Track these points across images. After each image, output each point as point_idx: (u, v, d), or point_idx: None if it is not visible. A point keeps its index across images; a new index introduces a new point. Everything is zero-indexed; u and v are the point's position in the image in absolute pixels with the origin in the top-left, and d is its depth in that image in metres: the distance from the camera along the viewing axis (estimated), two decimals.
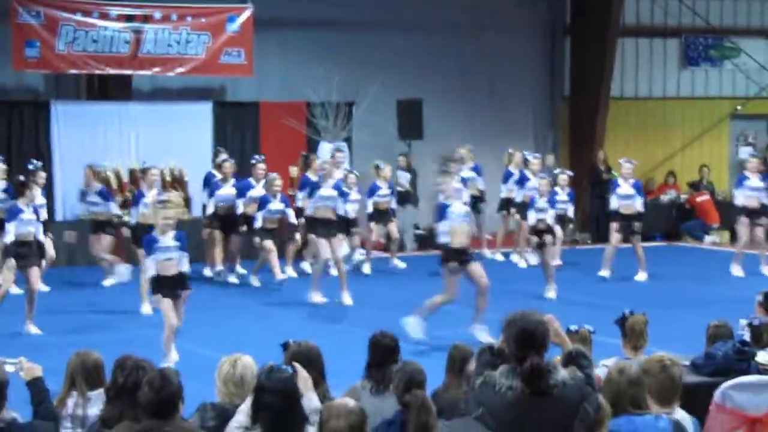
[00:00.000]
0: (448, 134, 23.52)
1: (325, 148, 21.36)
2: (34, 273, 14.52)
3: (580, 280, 18.63)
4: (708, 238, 24.07)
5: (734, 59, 26.69)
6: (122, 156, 20.65)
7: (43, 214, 16.15)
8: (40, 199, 16.33)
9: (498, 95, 24.89)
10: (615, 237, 18.61)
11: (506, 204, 20.68)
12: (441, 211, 13.92)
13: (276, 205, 17.71)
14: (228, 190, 18.57)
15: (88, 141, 20.47)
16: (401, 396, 7.10)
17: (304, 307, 16.19)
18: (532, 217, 17.51)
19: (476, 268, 13.85)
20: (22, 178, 16.32)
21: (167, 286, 12.60)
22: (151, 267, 12.69)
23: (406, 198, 21.75)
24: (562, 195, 19.22)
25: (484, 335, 13.04)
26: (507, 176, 20.84)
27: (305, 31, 23.11)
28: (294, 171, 20.28)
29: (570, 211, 19.45)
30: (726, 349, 8.35)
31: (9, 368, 6.94)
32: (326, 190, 16.90)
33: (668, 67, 26.67)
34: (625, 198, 18.60)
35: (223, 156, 19.13)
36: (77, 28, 20.37)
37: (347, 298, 16.40)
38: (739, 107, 26.82)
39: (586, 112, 25.03)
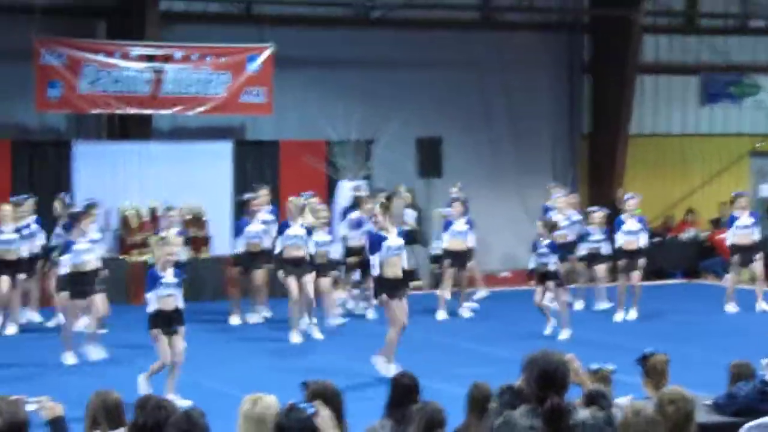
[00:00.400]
0: (467, 172, 23.58)
1: (344, 187, 21.46)
2: (96, 300, 14.94)
3: (599, 318, 18.59)
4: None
5: (754, 96, 26.69)
6: (142, 195, 20.73)
7: (101, 249, 16.41)
8: (95, 234, 16.37)
9: (518, 132, 24.93)
10: (622, 276, 18.49)
11: None
12: (375, 244, 14.16)
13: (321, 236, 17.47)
14: (256, 226, 18.21)
15: (108, 180, 20.56)
16: None
17: (334, 346, 16.20)
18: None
19: (402, 305, 14.01)
20: (76, 210, 16.31)
21: (165, 322, 12.83)
22: (152, 302, 12.84)
23: (412, 236, 21.61)
24: (598, 234, 19.17)
25: (384, 367, 13.38)
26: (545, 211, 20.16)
27: (324, 70, 23.21)
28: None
29: (605, 248, 19.28)
30: (748, 389, 8.31)
31: (30, 407, 6.96)
32: (294, 230, 16.80)
33: (687, 104, 26.67)
34: (629, 234, 18.54)
35: (251, 194, 18.72)
36: (99, 68, 20.52)
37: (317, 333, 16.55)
38: (758, 144, 26.77)
39: (606, 149, 25.05)
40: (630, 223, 18.59)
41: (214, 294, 20.37)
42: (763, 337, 10.27)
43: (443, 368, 13.77)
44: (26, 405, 6.90)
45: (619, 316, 18.37)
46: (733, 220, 19.32)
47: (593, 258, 19.10)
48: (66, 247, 15.24)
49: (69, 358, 14.91)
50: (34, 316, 18.22)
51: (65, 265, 15.05)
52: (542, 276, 16.89)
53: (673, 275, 23.90)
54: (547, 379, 6.02)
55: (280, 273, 16.95)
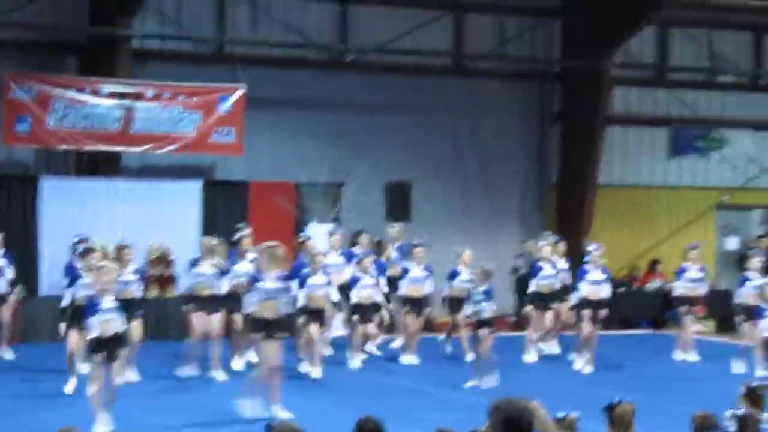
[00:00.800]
0: (436, 217, 23.67)
1: (314, 229, 21.46)
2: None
3: (566, 366, 18.58)
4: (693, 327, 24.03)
5: (720, 150, 26.91)
6: (110, 232, 20.59)
7: (135, 290, 16.18)
8: (128, 275, 16.09)
9: (487, 179, 25.02)
10: (587, 326, 18.41)
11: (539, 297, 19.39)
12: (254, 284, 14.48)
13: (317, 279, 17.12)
14: (245, 266, 17.50)
15: (76, 216, 20.43)
16: None
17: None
18: None
19: (274, 346, 14.06)
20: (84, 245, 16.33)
21: (105, 346, 12.95)
22: (93, 328, 12.94)
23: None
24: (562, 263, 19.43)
25: (248, 409, 13.52)
26: (536, 271, 19.54)
27: (296, 112, 23.27)
28: None
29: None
30: None
31: None
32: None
33: (656, 155, 26.88)
34: (594, 284, 18.59)
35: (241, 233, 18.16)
36: (69, 104, 20.44)
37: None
38: (724, 198, 26.97)
39: (574, 198, 25.16)
40: (594, 273, 18.62)
41: (180, 333, 20.27)
42: (727, 386, 10.34)
43: (408, 413, 13.71)
44: None
45: (578, 365, 18.36)
46: (682, 271, 19.59)
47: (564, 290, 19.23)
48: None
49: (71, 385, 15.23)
50: (5, 352, 18.15)
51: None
52: (478, 323, 16.79)
53: (638, 325, 23.94)
54: (512, 426, 6.00)
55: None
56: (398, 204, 23.11)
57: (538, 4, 25.38)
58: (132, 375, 16.14)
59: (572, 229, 24.75)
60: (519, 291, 22.97)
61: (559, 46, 25.54)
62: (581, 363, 18.32)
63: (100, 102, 20.64)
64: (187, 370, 16.62)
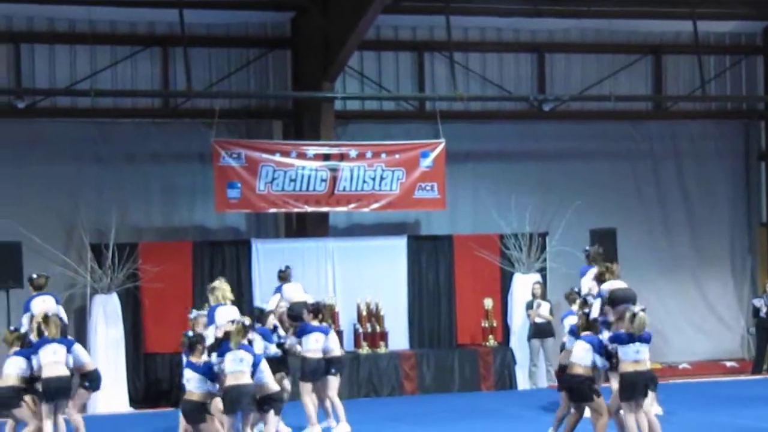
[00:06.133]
0: (642, 262, 23.38)
1: (519, 280, 21.50)
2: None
3: None
4: None
5: None
6: (320, 291, 20.99)
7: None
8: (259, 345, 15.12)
9: (694, 222, 24.64)
10: None
11: None
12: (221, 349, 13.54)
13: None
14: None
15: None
16: None
17: None
18: None
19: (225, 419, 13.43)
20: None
21: None
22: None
23: (546, 330, 21.20)
24: None
25: None
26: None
27: (496, 163, 23.40)
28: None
29: None
30: None
31: None
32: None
33: None
34: None
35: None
36: (276, 168, 20.92)
37: None
38: None
39: None
40: None
41: (392, 389, 20.58)
42: None
43: None
44: None
45: None
46: None
47: None
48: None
49: None
50: None
51: None
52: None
53: None
54: None
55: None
56: (604, 251, 22.85)
57: (734, 42, 24.94)
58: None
59: None
60: (759, 332, 22.74)
61: (763, 82, 25.00)
62: None
63: (306, 164, 21.00)
64: None
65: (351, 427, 16.07)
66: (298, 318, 16.60)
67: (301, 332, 16.05)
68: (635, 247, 23.57)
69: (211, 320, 14.66)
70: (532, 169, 23.62)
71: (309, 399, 15.74)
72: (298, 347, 16.01)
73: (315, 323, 16.02)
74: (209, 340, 13.96)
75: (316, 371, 15.82)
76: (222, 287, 15.16)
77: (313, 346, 15.84)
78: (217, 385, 13.38)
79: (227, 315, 14.50)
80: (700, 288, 24.47)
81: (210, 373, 13.32)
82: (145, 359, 20.36)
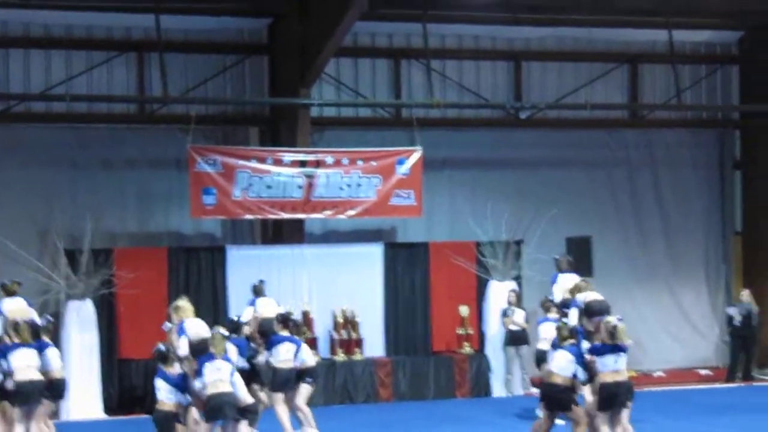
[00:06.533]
0: (617, 270, 23.45)
1: (494, 288, 21.51)
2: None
3: None
4: None
5: None
6: (295, 297, 20.96)
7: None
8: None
9: (668, 231, 24.71)
10: None
11: None
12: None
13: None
14: None
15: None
16: None
17: None
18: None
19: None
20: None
21: None
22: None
23: (521, 338, 21.23)
24: None
25: None
26: None
27: (472, 171, 23.42)
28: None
29: None
30: None
31: None
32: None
33: None
34: None
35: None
36: (252, 174, 20.86)
37: None
38: None
39: (760, 246, 24.57)
40: None
41: (367, 396, 20.56)
42: None
43: None
44: None
45: None
46: None
47: None
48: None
49: None
50: None
51: None
52: None
53: None
54: None
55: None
56: (579, 259, 22.91)
57: (709, 51, 25.04)
58: None
59: (758, 278, 24.21)
60: (733, 341, 22.93)
61: (738, 92, 25.11)
62: None
63: (282, 171, 20.95)
64: None
65: None
66: (268, 333, 16.51)
67: (271, 344, 16.00)
68: (611, 255, 23.66)
69: (181, 331, 14.58)
70: (509, 176, 23.66)
71: (282, 409, 15.70)
72: (271, 359, 15.95)
73: (285, 333, 15.95)
74: (182, 351, 13.87)
75: (288, 381, 15.76)
76: (185, 307, 15.02)
77: (284, 356, 15.74)
78: (189, 397, 13.33)
79: (197, 325, 14.44)
80: (674, 296, 24.54)
81: (183, 384, 13.26)
82: (119, 365, 20.26)
